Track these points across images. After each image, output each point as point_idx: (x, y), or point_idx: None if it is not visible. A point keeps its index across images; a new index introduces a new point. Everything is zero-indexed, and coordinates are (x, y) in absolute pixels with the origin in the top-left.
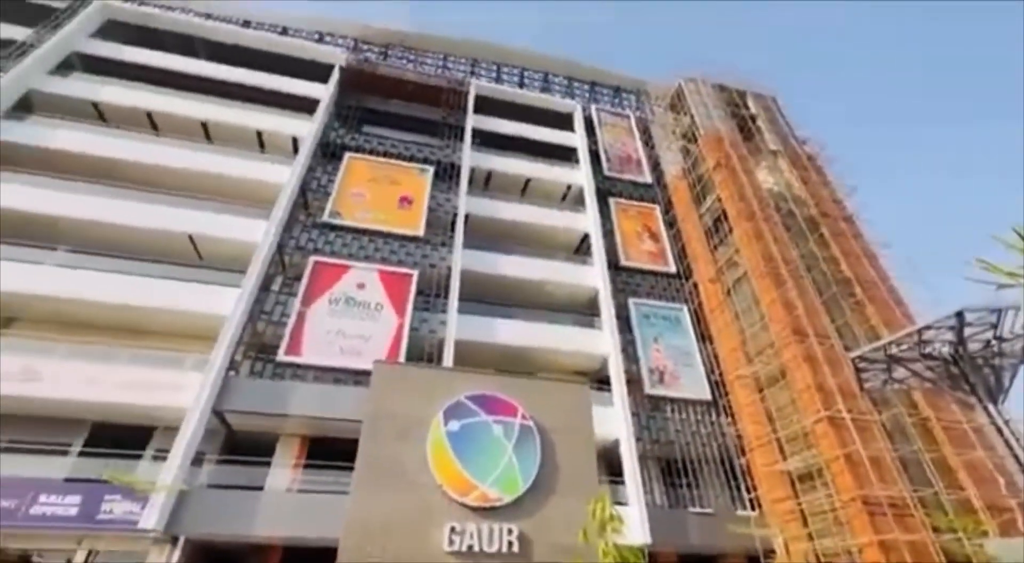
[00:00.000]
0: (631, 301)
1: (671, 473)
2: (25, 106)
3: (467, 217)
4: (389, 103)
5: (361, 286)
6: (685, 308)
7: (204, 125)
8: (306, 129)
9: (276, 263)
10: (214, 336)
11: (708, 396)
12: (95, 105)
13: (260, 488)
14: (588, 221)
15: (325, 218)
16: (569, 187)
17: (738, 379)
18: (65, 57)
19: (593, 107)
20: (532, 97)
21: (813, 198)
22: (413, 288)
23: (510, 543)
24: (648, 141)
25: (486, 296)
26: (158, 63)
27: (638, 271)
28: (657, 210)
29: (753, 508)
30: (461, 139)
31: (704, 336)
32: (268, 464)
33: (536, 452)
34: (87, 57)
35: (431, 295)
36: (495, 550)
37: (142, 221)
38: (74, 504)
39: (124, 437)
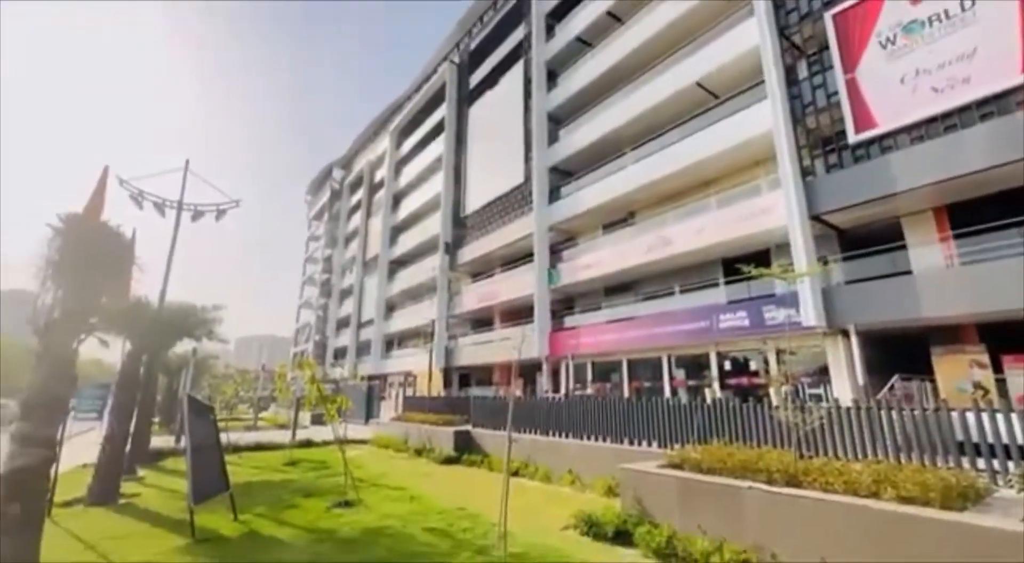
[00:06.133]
0: None
1: None
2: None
3: None
4: None
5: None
6: None
7: None
8: None
9: (788, 51)
10: (771, 154)
11: None
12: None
13: (906, 273)
14: None
15: None
16: None
17: None
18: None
19: None
20: None
21: None
22: None
23: None
24: None
25: None
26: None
27: None
28: None
29: None
30: None
31: None
32: (898, 249)
33: None
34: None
35: None
36: None
37: (662, 93)
38: (744, 317)
39: (748, 263)
